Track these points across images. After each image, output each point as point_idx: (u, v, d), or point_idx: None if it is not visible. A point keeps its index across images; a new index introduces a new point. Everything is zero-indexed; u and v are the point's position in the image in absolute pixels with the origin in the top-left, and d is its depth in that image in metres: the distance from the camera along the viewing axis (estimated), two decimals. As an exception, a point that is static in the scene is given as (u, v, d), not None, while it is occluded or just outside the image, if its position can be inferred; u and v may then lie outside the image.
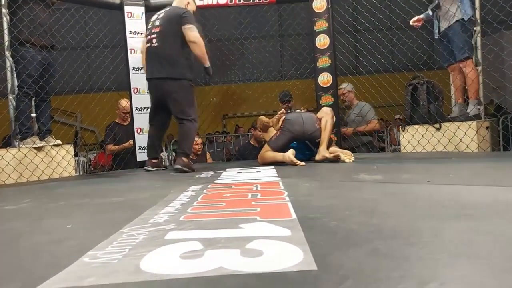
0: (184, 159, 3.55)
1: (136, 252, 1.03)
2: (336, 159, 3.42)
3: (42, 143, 3.93)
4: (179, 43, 3.58)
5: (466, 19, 3.94)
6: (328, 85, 4.63)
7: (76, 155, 7.22)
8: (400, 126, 4.61)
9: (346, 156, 3.43)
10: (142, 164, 4.31)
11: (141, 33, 4.46)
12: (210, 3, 4.69)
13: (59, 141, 4.07)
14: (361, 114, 4.84)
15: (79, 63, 6.25)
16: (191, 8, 3.89)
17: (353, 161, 3.39)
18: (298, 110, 3.98)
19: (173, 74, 3.59)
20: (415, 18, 4.37)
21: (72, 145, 4.33)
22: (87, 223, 1.56)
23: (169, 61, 3.59)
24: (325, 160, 3.52)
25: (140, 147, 4.45)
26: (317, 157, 3.55)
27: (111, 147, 5.07)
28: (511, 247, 0.95)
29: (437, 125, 4.15)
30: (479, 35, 4.18)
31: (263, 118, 3.95)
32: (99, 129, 10.94)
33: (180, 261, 0.95)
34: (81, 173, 6.75)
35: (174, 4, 3.86)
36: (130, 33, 4.45)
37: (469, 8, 3.96)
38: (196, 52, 3.57)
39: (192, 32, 3.54)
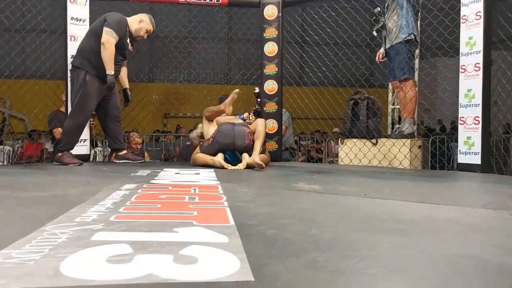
0: (59, 153, 3.79)
1: (57, 253, 0.94)
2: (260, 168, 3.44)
3: (-38, 128, 3.61)
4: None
5: (408, 40, 4.11)
6: (274, 92, 4.65)
7: (1, 143, 6.75)
8: (340, 139, 4.73)
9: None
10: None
11: (84, 20, 4.24)
12: (160, -3, 4.56)
13: (-18, 127, 3.77)
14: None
15: (12, 45, 5.83)
16: (144, 26, 3.95)
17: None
18: (236, 120, 3.92)
19: None
20: (380, 57, 4.44)
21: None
22: (4, 218, 1.42)
23: None
24: (253, 166, 3.45)
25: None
26: (248, 161, 3.48)
27: (59, 130, 4.74)
28: (441, 265, 0.97)
29: (374, 140, 4.30)
30: (417, 57, 4.40)
31: (211, 107, 3.97)
32: (29, 118, 10.31)
33: (107, 265, 0.87)
34: (5, 163, 6.31)
35: (128, 19, 3.92)
36: (71, 19, 4.20)
37: (412, 30, 4.13)
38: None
39: (106, 35, 3.67)
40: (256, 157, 3.48)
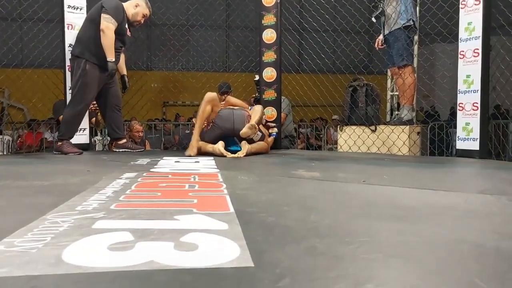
0: (59, 143, 3.78)
1: (59, 241, 0.94)
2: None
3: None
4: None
5: (407, 26, 4.08)
6: (272, 80, 4.63)
7: (0, 133, 6.73)
8: (339, 126, 4.73)
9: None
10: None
11: (81, 8, 4.21)
12: (157, -16, 4.52)
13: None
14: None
15: (10, 34, 5.79)
16: (141, 10, 3.91)
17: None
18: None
19: None
20: (379, 43, 4.40)
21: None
22: (5, 207, 1.43)
23: None
24: (252, 130, 3.51)
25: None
26: (243, 130, 3.52)
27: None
28: (440, 250, 0.98)
29: (373, 127, 4.30)
30: (416, 43, 4.37)
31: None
32: (28, 107, 10.27)
33: (108, 253, 0.88)
34: (5, 153, 6.30)
35: (124, 4, 3.87)
36: (68, 7, 4.16)
37: (411, 16, 4.10)
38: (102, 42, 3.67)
39: (104, 21, 3.64)
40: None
